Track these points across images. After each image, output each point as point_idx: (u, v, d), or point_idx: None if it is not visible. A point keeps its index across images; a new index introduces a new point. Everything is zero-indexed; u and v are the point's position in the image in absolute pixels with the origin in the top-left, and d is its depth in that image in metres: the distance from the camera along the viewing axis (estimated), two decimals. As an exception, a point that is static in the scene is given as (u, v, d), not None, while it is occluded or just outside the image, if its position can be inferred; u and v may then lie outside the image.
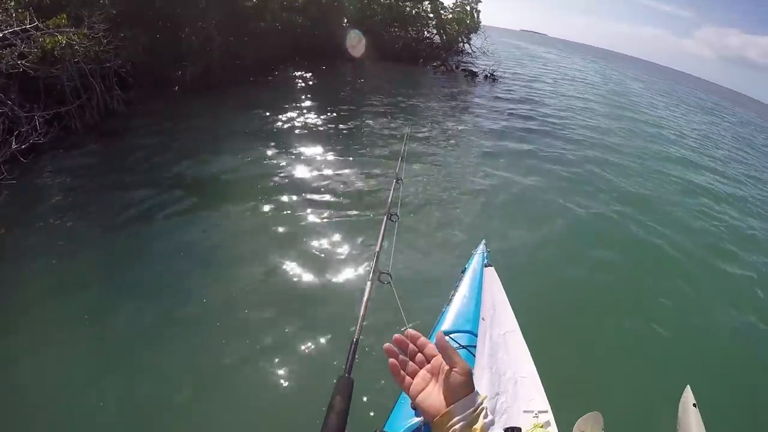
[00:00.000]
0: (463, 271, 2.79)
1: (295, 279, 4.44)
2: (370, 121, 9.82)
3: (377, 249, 1.70)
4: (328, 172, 6.88)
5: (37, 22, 6.59)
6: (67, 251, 4.48)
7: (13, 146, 5.23)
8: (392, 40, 18.85)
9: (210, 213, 5.48)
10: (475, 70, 18.81)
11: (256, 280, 4.39)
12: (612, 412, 1.79)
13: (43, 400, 3.06)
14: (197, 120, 8.40)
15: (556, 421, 1.77)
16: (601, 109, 17.16)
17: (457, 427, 0.73)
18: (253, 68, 11.98)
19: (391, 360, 0.82)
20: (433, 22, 20.35)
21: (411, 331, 0.84)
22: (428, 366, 0.81)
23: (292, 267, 4.61)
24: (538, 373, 1.98)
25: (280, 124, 8.88)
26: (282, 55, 13.42)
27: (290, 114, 9.44)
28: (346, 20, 16.46)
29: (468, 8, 20.62)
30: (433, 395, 0.78)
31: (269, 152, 7.36)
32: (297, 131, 8.58)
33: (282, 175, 6.63)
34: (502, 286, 2.45)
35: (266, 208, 5.68)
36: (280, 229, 5.23)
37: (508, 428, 1.49)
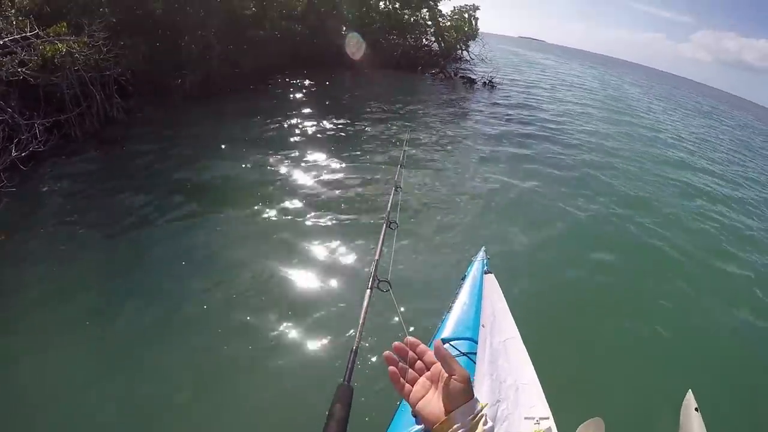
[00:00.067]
0: (463, 278, 2.79)
1: (295, 285, 4.44)
2: (369, 128, 9.85)
3: (376, 257, 1.70)
4: (327, 178, 6.89)
5: (37, 30, 6.62)
6: (68, 256, 4.50)
7: (13, 154, 5.23)
8: (391, 47, 18.96)
9: (210, 218, 5.49)
10: (473, 77, 18.91)
11: (255, 285, 4.39)
12: (613, 418, 1.78)
13: (44, 400, 3.08)
14: (197, 127, 8.43)
15: (557, 428, 1.76)
16: (599, 114, 17.24)
17: None
18: (252, 76, 12.03)
19: (391, 368, 0.82)
20: (432, 30, 20.48)
21: (410, 338, 0.84)
22: (428, 373, 0.81)
23: (291, 273, 4.61)
24: (539, 380, 1.97)
25: (279, 131, 8.91)
26: (281, 63, 13.48)
27: (290, 121, 9.47)
28: (344, 28, 16.55)
29: (466, 16, 20.76)
30: (432, 402, 0.78)
31: (269, 159, 7.38)
32: (296, 138, 8.60)
33: (281, 181, 6.64)
34: (502, 293, 2.45)
35: (266, 214, 5.68)
36: (280, 236, 5.24)
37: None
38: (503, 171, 8.46)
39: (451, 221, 6.14)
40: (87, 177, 6.08)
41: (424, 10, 19.77)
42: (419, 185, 7.10)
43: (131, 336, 3.70)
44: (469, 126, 11.71)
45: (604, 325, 4.61)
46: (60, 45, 6.55)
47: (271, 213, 5.72)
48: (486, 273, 2.64)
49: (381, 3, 18.96)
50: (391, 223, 2.09)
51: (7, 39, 6.20)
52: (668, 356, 4.34)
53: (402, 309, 1.40)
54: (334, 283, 4.51)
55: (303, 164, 7.32)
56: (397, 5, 19.10)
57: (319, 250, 5.04)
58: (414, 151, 8.64)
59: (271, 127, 9.07)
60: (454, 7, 21.10)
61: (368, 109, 11.52)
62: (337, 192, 6.47)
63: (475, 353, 2.05)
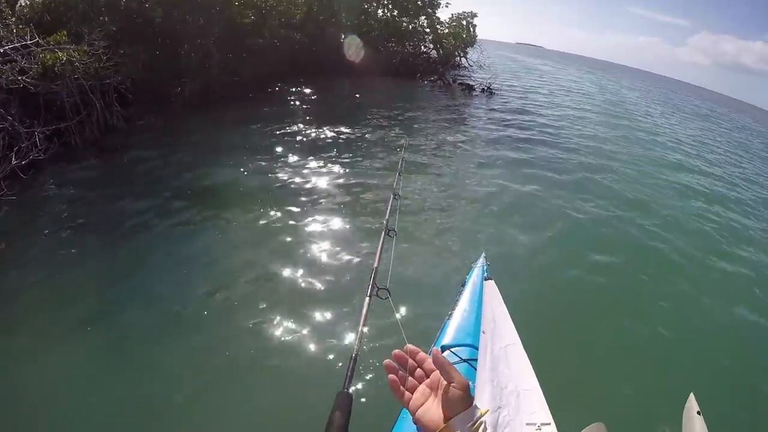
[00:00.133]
0: (463, 285, 2.79)
1: (294, 291, 4.43)
2: (369, 135, 9.88)
3: (375, 265, 1.70)
4: (327, 185, 6.90)
5: (37, 38, 6.66)
6: (69, 262, 4.52)
7: (13, 162, 5.25)
8: (389, 55, 19.04)
9: (210, 224, 5.50)
10: (472, 83, 18.98)
11: (254, 291, 4.39)
12: (616, 422, 1.77)
13: (46, 401, 3.11)
14: (196, 135, 8.46)
15: (559, 434, 1.75)
16: (597, 119, 17.31)
17: None
18: (251, 84, 12.08)
19: (391, 376, 0.82)
20: (430, 37, 20.59)
21: (410, 346, 0.84)
22: (427, 381, 0.81)
23: (290, 279, 4.60)
24: (541, 386, 1.96)
25: (279, 138, 8.93)
26: (280, 71, 13.54)
27: (289, 128, 9.50)
28: (343, 36, 16.65)
29: (464, 23, 20.88)
30: (432, 410, 0.77)
31: (268, 165, 7.39)
32: (296, 145, 8.62)
33: (281, 188, 6.65)
34: (502, 299, 2.44)
35: (265, 220, 5.69)
36: (279, 242, 5.24)
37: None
38: (502, 175, 8.47)
39: (450, 226, 6.14)
40: (87, 184, 6.10)
41: (423, 17, 19.90)
42: (418, 190, 7.11)
43: (131, 339, 3.73)
44: (468, 131, 11.75)
45: (604, 328, 4.61)
46: (60, 53, 6.59)
47: (271, 219, 5.72)
48: (486, 279, 2.64)
49: (379, 11, 19.09)
50: (390, 230, 2.10)
51: (7, 47, 6.24)
52: (669, 359, 4.33)
53: (401, 316, 1.40)
54: (333, 289, 4.50)
55: (302, 171, 7.33)
56: (395, 13, 19.23)
57: (318, 256, 5.04)
58: (413, 156, 8.66)
59: (271, 134, 9.09)
60: (452, 15, 21.25)
61: (367, 116, 11.56)
62: (336, 198, 6.47)
63: (476, 360, 2.04)
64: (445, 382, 0.78)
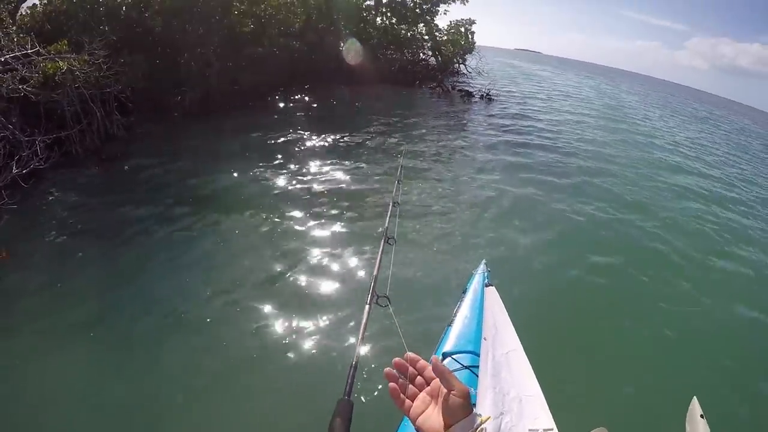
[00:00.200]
0: (464, 292, 2.79)
1: (294, 298, 4.42)
2: (368, 142, 9.91)
3: (375, 273, 1.71)
4: (326, 192, 6.91)
5: (38, 48, 6.70)
6: (70, 268, 4.55)
7: (14, 171, 5.26)
8: (388, 62, 19.12)
9: (210, 231, 5.51)
10: (471, 90, 19.04)
11: (255, 297, 4.39)
12: (618, 426, 1.76)
13: (47, 402, 3.15)
14: (197, 143, 8.49)
15: (562, 439, 1.74)
16: (595, 123, 17.36)
17: None
18: (251, 93, 12.13)
19: (391, 384, 0.82)
20: (429, 44, 20.68)
21: (410, 354, 0.85)
22: (428, 388, 0.81)
23: (290, 286, 4.60)
24: (543, 391, 1.95)
25: (278, 145, 8.96)
26: (280, 80, 13.59)
27: (289, 136, 9.53)
28: (342, 43, 16.74)
29: (462, 30, 20.98)
30: (432, 417, 0.78)
31: (268, 173, 7.41)
32: (296, 152, 8.64)
33: (281, 195, 6.66)
34: (503, 306, 2.44)
35: (265, 227, 5.69)
36: (279, 249, 5.24)
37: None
38: (501, 180, 8.50)
39: (450, 231, 6.14)
40: (88, 192, 6.12)
41: (421, 24, 20.01)
42: (418, 196, 7.13)
43: (133, 343, 3.77)
44: (467, 137, 11.79)
45: (605, 331, 4.61)
46: (61, 62, 6.63)
47: (271, 226, 5.73)
48: (487, 286, 2.64)
49: (378, 18, 19.20)
50: (389, 238, 2.11)
51: (8, 56, 6.27)
52: (671, 361, 4.33)
53: (402, 323, 1.39)
54: (334, 296, 4.50)
55: (302, 178, 7.35)
56: (394, 20, 19.34)
57: (319, 263, 5.03)
58: (413, 162, 8.69)
59: (271, 141, 9.12)
60: (451, 22, 21.35)
61: (367, 123, 11.59)
62: (336, 205, 6.48)
63: (478, 366, 2.03)
64: (445, 390, 0.78)
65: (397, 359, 0.84)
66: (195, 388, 3.37)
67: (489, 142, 11.49)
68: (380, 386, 3.30)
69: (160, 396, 3.28)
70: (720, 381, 4.14)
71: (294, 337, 3.93)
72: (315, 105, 13.16)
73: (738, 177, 13.07)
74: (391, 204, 2.56)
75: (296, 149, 8.82)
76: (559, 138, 13.11)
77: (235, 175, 7.17)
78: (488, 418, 0.77)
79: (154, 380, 3.42)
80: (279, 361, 3.67)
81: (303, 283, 4.66)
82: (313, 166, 7.92)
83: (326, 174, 7.63)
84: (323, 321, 4.14)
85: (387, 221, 2.29)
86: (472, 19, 21.34)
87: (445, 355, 2.31)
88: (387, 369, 0.83)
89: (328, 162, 8.22)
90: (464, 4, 20.56)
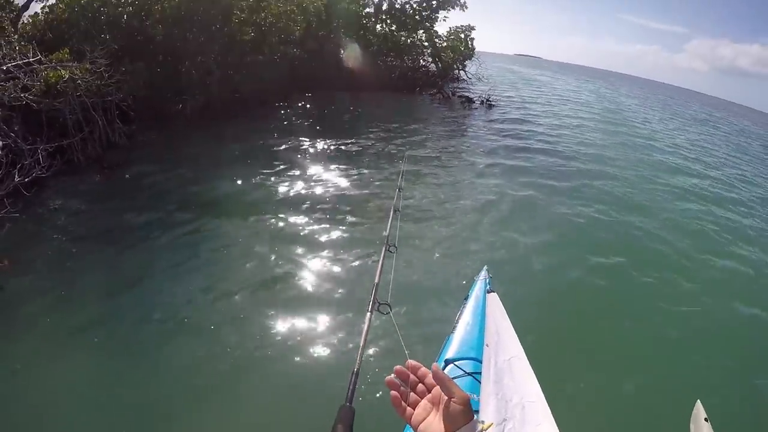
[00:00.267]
0: (466, 298, 2.79)
1: (296, 304, 4.42)
2: (369, 149, 9.95)
3: (376, 280, 1.70)
4: (327, 199, 6.92)
5: (40, 56, 6.74)
6: (72, 274, 4.58)
7: (16, 179, 5.26)
8: (389, 69, 19.19)
9: (211, 238, 5.53)
10: (471, 96, 19.10)
11: (257, 303, 4.41)
12: (619, 427, 1.75)
13: (48, 405, 3.18)
14: (198, 150, 8.52)
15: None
16: (595, 127, 17.42)
17: None
18: (252, 100, 12.19)
19: (393, 392, 0.82)
20: (429, 51, 20.75)
21: (412, 362, 0.85)
22: (429, 396, 0.81)
23: (292, 292, 4.61)
24: (545, 397, 1.94)
25: (279, 152, 8.99)
26: (280, 87, 13.64)
27: (289, 143, 9.56)
28: (342, 51, 16.82)
29: (462, 36, 21.06)
30: (434, 425, 0.77)
31: (269, 179, 7.43)
32: (296, 159, 8.67)
33: (282, 201, 6.68)
34: (505, 312, 2.43)
35: (266, 234, 5.70)
36: (281, 255, 5.24)
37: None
38: (502, 184, 8.52)
39: (451, 236, 6.15)
40: (90, 199, 6.15)
41: (421, 31, 20.10)
42: (420, 201, 7.14)
43: (136, 347, 3.81)
44: (468, 142, 11.83)
45: (607, 333, 4.61)
46: (62, 71, 6.66)
47: (272, 232, 5.75)
48: (489, 292, 2.63)
49: (378, 25, 19.30)
50: (390, 246, 2.10)
51: (10, 64, 6.30)
52: (673, 364, 4.32)
53: (403, 330, 1.39)
54: (335, 302, 4.49)
55: (303, 184, 7.37)
56: (393, 27, 19.44)
57: (320, 270, 5.04)
58: (414, 167, 8.71)
59: (272, 148, 9.15)
60: (450, 28, 21.44)
61: (367, 130, 11.64)
62: (337, 212, 6.49)
63: (480, 373, 2.02)
64: (446, 397, 0.78)
65: (398, 367, 0.84)
66: (196, 392, 3.37)
67: (489, 146, 11.53)
68: (382, 393, 3.29)
69: (161, 400, 3.29)
70: (721, 381, 4.13)
71: (296, 343, 3.93)
72: (315, 112, 13.22)
73: (737, 178, 13.12)
74: (392, 211, 2.56)
75: (297, 155, 8.84)
76: (559, 142, 13.15)
77: (237, 181, 7.19)
78: (491, 425, 0.76)
79: (155, 384, 3.43)
80: (281, 367, 3.67)
81: (305, 290, 4.66)
82: (315, 172, 7.94)
83: (328, 180, 7.65)
84: (325, 327, 4.14)
85: (388, 229, 2.29)
86: (471, 25, 21.47)
87: (447, 362, 2.30)
88: (388, 377, 0.83)
89: (330, 168, 8.24)
90: (463, 10, 20.62)
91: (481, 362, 2.10)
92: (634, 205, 8.39)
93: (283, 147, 9.26)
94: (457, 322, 2.57)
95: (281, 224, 5.94)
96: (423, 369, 0.84)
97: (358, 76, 16.53)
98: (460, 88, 21.10)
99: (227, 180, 7.20)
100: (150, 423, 3.14)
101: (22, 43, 7.06)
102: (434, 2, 19.97)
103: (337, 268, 5.08)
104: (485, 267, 3.09)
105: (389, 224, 2.35)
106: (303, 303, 4.45)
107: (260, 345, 3.89)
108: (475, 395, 1.78)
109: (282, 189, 7.08)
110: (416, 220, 6.44)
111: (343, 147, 9.71)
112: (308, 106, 13.70)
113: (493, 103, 18.54)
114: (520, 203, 7.64)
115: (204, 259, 5.09)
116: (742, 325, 5.16)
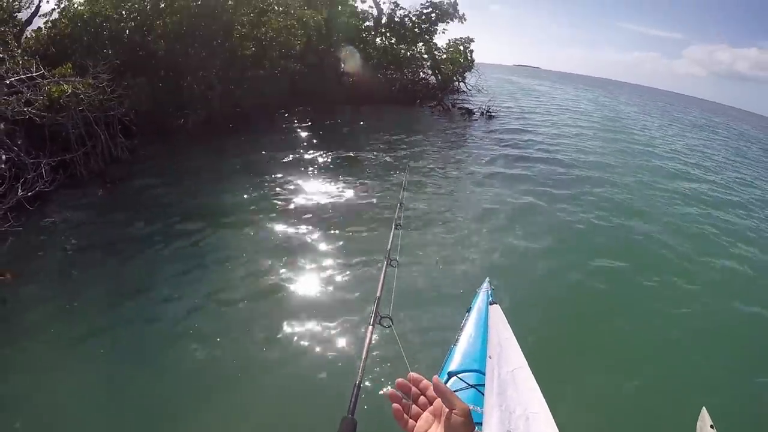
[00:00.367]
0: (468, 310, 2.78)
1: (298, 316, 4.41)
2: (370, 161, 10.00)
3: (378, 294, 1.71)
4: (329, 211, 6.94)
5: (43, 71, 6.80)
6: (75, 286, 4.61)
7: (20, 193, 5.27)
8: (389, 82, 19.30)
9: (212, 249, 5.56)
10: (471, 107, 19.18)
11: (259, 314, 4.41)
12: (619, 427, 1.73)
13: (55, 411, 3.22)
14: (199, 163, 8.57)
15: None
16: (594, 135, 17.50)
17: None
18: (253, 114, 12.29)
19: (395, 405, 0.82)
20: (428, 63, 20.91)
21: (413, 374, 0.85)
22: (431, 408, 0.81)
23: (294, 304, 4.60)
24: (549, 408, 1.93)
25: (280, 165, 9.03)
26: (281, 101, 13.75)
27: (290, 156, 9.61)
28: (342, 65, 16.97)
29: (461, 48, 21.23)
30: (435, 437, 0.77)
31: (271, 192, 7.46)
32: (298, 172, 8.70)
33: (284, 213, 6.69)
34: (507, 324, 2.42)
35: (268, 246, 5.71)
36: (283, 268, 5.24)
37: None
38: (502, 192, 8.56)
39: (453, 245, 6.16)
40: (93, 213, 6.18)
41: (420, 44, 20.28)
42: (421, 212, 7.15)
43: (137, 356, 3.81)
44: (469, 152, 11.89)
45: (610, 340, 4.59)
46: (65, 85, 6.72)
47: (275, 244, 5.76)
48: (491, 304, 2.62)
49: (378, 39, 19.48)
50: (391, 260, 2.11)
51: (13, 79, 6.36)
52: (672, 362, 4.32)
53: (405, 342, 1.39)
54: (337, 315, 4.47)
55: (304, 196, 7.39)
56: (393, 40, 19.62)
57: (322, 282, 5.03)
58: (415, 178, 8.75)
59: (273, 161, 9.20)
60: (449, 41, 21.63)
61: (368, 143, 11.70)
62: (340, 223, 6.49)
63: (483, 385, 2.01)
64: (447, 409, 0.78)
65: (399, 380, 0.85)
66: (197, 403, 3.36)
67: (490, 156, 11.58)
68: (384, 405, 3.27)
69: (162, 408, 3.29)
70: (721, 380, 4.12)
71: (298, 354, 3.91)
72: (316, 125, 13.29)
73: (736, 181, 13.21)
74: (393, 226, 2.57)
75: (298, 168, 8.88)
76: (558, 150, 13.22)
77: (238, 194, 7.22)
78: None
79: (158, 392, 3.44)
80: (283, 379, 3.66)
81: (307, 301, 4.65)
82: (316, 184, 7.97)
83: (329, 192, 7.67)
84: (327, 338, 4.12)
85: (390, 243, 2.30)
86: (470, 37, 21.66)
87: (450, 375, 2.28)
88: (390, 390, 0.84)
89: (331, 180, 8.27)
90: (462, 22, 20.82)
91: (484, 374, 2.09)
92: (633, 210, 8.43)
93: (284, 160, 9.30)
94: (460, 334, 2.56)
95: (283, 236, 5.94)
96: (425, 381, 0.84)
97: (358, 89, 16.64)
98: (460, 100, 21.21)
99: (229, 193, 7.23)
100: (150, 427, 3.17)
101: (26, 57, 7.14)
102: (433, 15, 20.17)
103: (338, 280, 5.07)
104: (487, 279, 3.09)
105: (390, 239, 2.36)
106: (305, 314, 4.44)
107: (262, 356, 3.88)
108: (478, 407, 1.76)
109: (283, 201, 7.10)
110: (418, 229, 6.45)
111: (343, 159, 9.76)
112: (309, 119, 13.79)
113: (492, 113, 18.61)
114: (520, 211, 7.67)
115: (206, 270, 5.10)
116: (742, 324, 5.17)
